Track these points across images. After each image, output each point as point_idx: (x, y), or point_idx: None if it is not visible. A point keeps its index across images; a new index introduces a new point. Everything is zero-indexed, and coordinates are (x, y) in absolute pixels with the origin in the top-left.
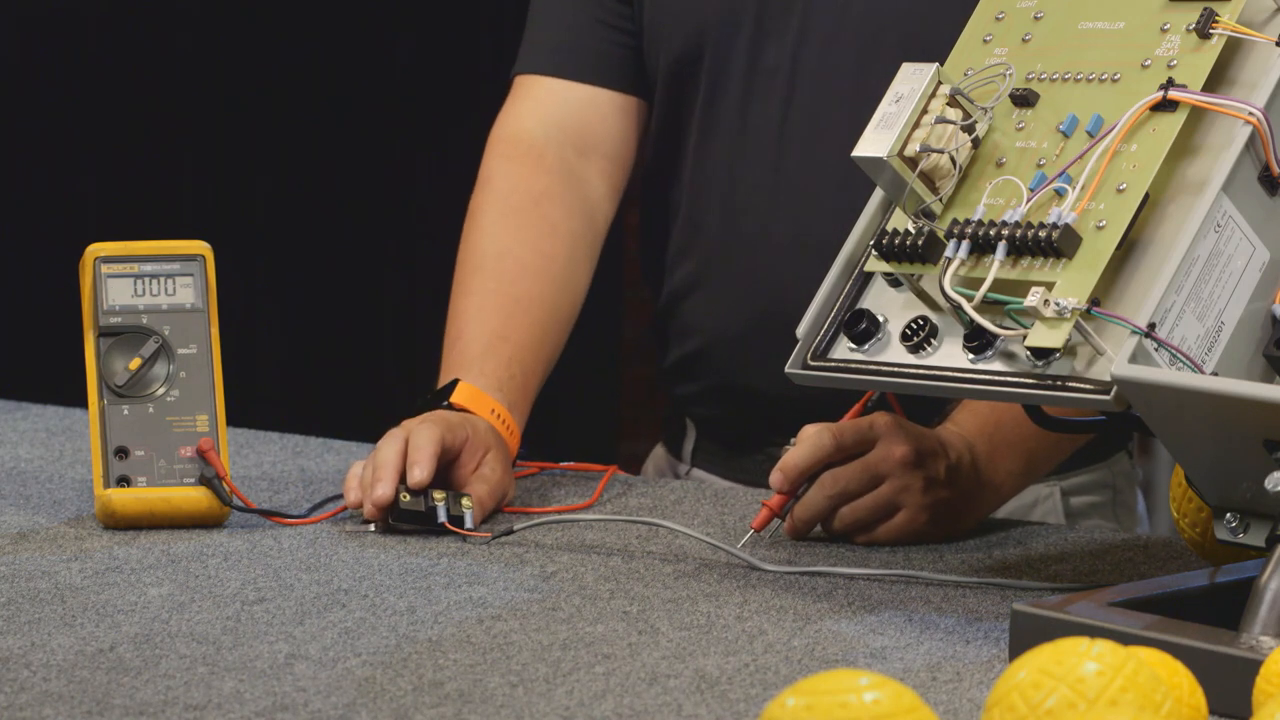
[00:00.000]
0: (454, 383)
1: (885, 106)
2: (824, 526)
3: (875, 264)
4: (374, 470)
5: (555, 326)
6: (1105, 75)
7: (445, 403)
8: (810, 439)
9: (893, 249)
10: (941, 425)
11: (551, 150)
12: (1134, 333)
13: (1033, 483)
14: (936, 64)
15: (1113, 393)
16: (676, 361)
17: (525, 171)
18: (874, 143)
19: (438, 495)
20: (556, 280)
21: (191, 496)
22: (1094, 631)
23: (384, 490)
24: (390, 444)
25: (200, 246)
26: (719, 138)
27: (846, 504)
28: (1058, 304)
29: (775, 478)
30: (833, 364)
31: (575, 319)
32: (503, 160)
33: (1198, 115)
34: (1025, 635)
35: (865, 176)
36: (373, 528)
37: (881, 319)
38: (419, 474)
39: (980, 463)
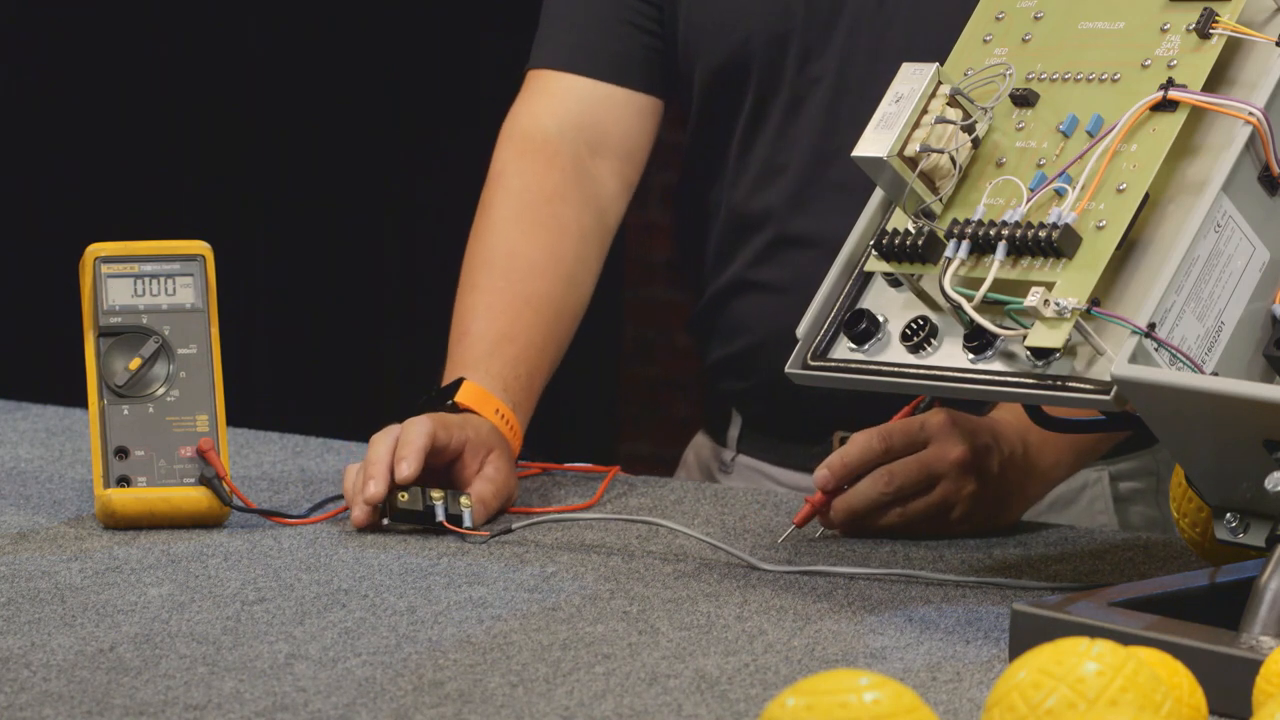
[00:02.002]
0: (458, 382)
1: (885, 106)
2: (868, 519)
3: (875, 264)
4: (366, 468)
5: (562, 326)
6: (1105, 75)
7: (449, 402)
8: (860, 441)
9: (893, 249)
10: (994, 413)
11: (565, 148)
12: (1134, 333)
13: (1081, 468)
14: (936, 64)
15: (1113, 393)
16: (723, 359)
17: (538, 169)
18: (874, 143)
19: (435, 494)
20: (565, 279)
21: (191, 496)
22: (1094, 631)
23: (375, 488)
24: (383, 440)
25: (200, 246)
26: (763, 144)
27: (900, 503)
28: (1058, 304)
29: (821, 475)
30: (833, 364)
31: (581, 317)
32: (515, 156)
33: (1198, 115)
34: (1025, 635)
35: None
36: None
37: (881, 319)
38: (405, 469)
39: (1031, 452)
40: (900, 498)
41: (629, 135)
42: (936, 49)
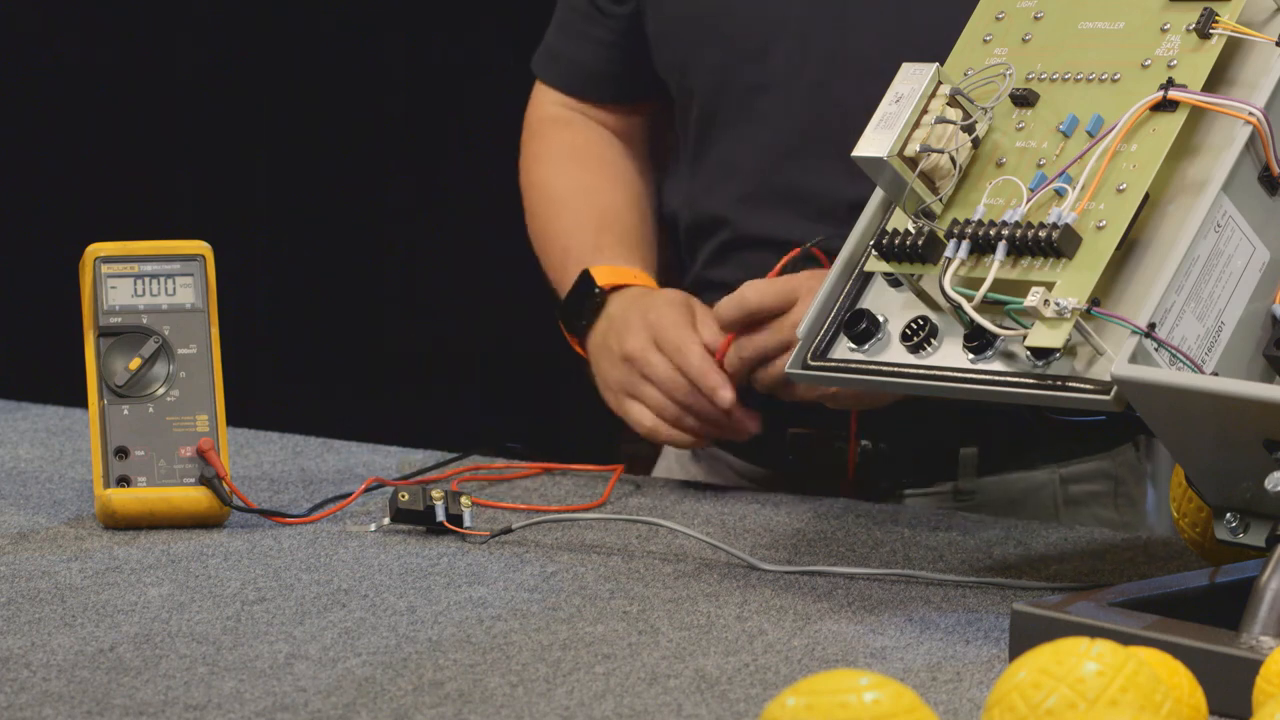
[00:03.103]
0: (584, 274)
1: (885, 106)
2: (767, 371)
3: (875, 264)
4: (694, 384)
5: (649, 226)
6: (1105, 75)
7: (596, 289)
8: (733, 299)
9: (893, 249)
10: None
11: (582, 121)
12: (1134, 333)
13: None
14: (936, 64)
15: (1113, 393)
16: None
17: (560, 131)
18: (874, 143)
19: (435, 494)
20: (633, 194)
21: (191, 496)
22: (1094, 631)
23: (727, 393)
24: (656, 356)
25: (200, 246)
26: (717, 147)
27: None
28: (1058, 304)
29: (727, 311)
30: (833, 364)
31: (656, 234)
32: (535, 137)
33: (1198, 115)
34: (1025, 635)
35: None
36: (373, 527)
37: (881, 319)
38: (726, 396)
39: None
40: (763, 361)
41: (633, 136)
42: (895, 56)
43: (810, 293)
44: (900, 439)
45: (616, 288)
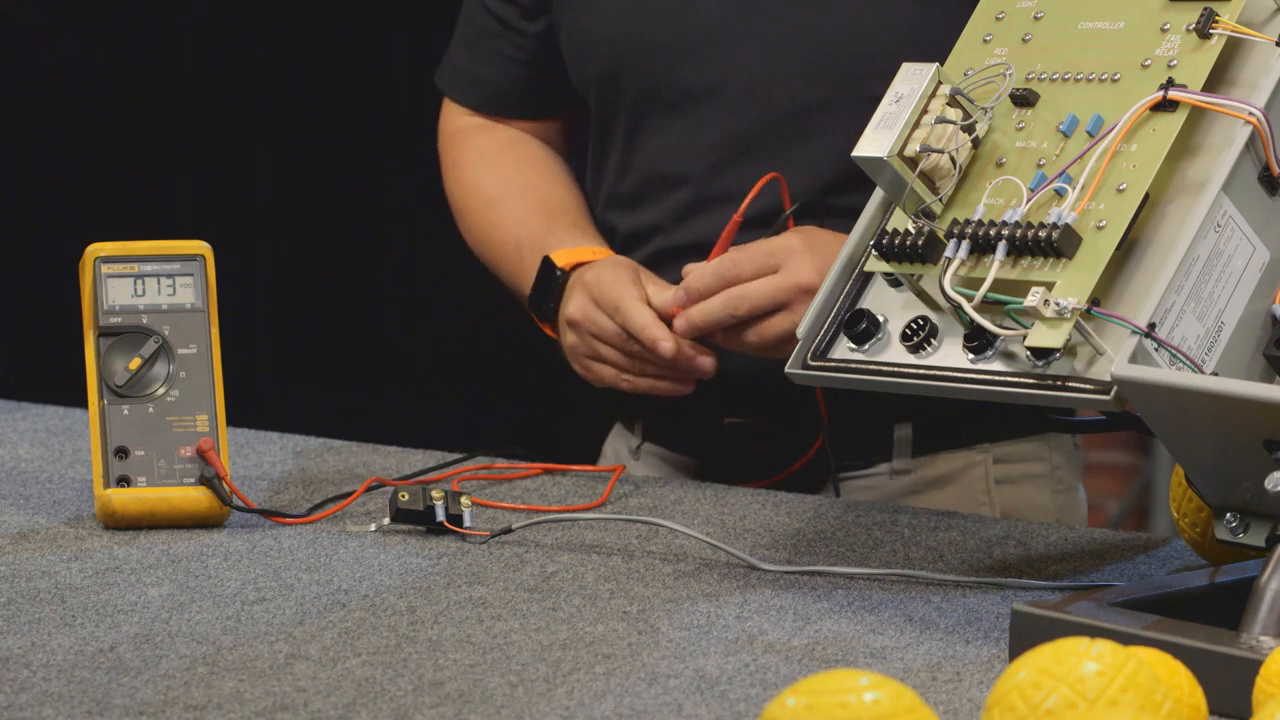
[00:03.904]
0: (545, 260)
1: (885, 106)
2: (719, 338)
3: (875, 264)
4: (636, 336)
5: (590, 216)
6: (1105, 75)
7: (557, 271)
8: (711, 267)
9: (893, 249)
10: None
11: (502, 128)
12: (1134, 333)
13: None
14: (936, 64)
15: (1113, 393)
16: None
17: (485, 136)
18: (874, 143)
19: (435, 494)
20: (567, 184)
21: (191, 496)
22: (1094, 631)
23: (669, 343)
24: (598, 313)
25: (200, 246)
26: (644, 156)
27: (755, 323)
28: (1058, 304)
29: (677, 296)
30: (833, 364)
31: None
32: (457, 140)
33: (1198, 115)
34: (1025, 635)
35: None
36: (373, 527)
37: (881, 319)
38: (668, 345)
39: None
40: (754, 318)
41: (548, 143)
42: (819, 69)
43: (794, 255)
44: (838, 420)
45: (577, 266)
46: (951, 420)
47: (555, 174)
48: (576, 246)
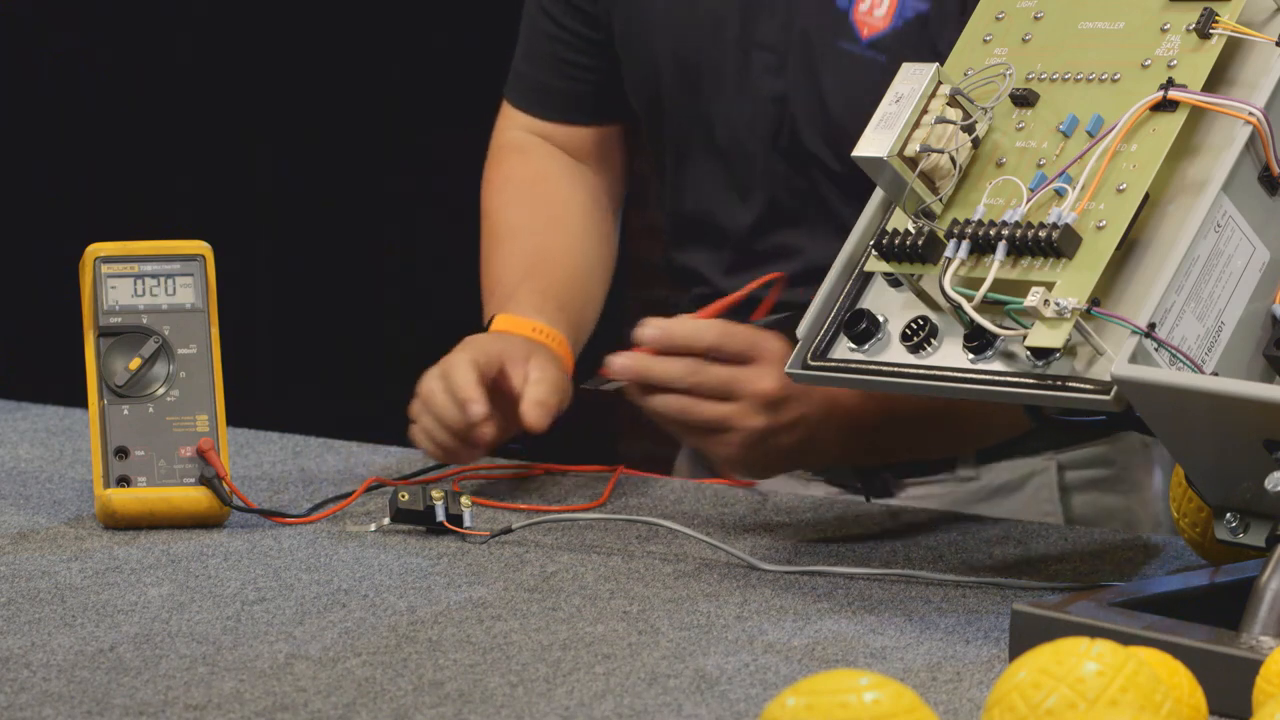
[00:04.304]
0: (491, 319)
1: (885, 106)
2: (645, 398)
3: (875, 264)
4: (450, 399)
5: (581, 275)
6: (1105, 75)
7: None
8: (694, 325)
9: (893, 249)
10: None
11: (542, 149)
12: (1134, 333)
13: (862, 462)
14: (936, 64)
15: (1113, 393)
16: None
17: (517, 163)
18: (874, 143)
19: (435, 494)
20: (573, 236)
21: (191, 496)
22: (1094, 631)
23: (479, 408)
24: (434, 381)
25: (200, 246)
26: (689, 194)
27: (690, 397)
28: (1058, 304)
29: (648, 333)
30: (833, 364)
31: (606, 276)
32: (496, 164)
33: (1198, 115)
34: (1025, 635)
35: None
36: (373, 527)
37: (881, 319)
38: (477, 409)
39: (825, 428)
40: (694, 393)
41: (599, 156)
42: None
43: (772, 361)
44: None
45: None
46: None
47: (565, 222)
48: (521, 317)
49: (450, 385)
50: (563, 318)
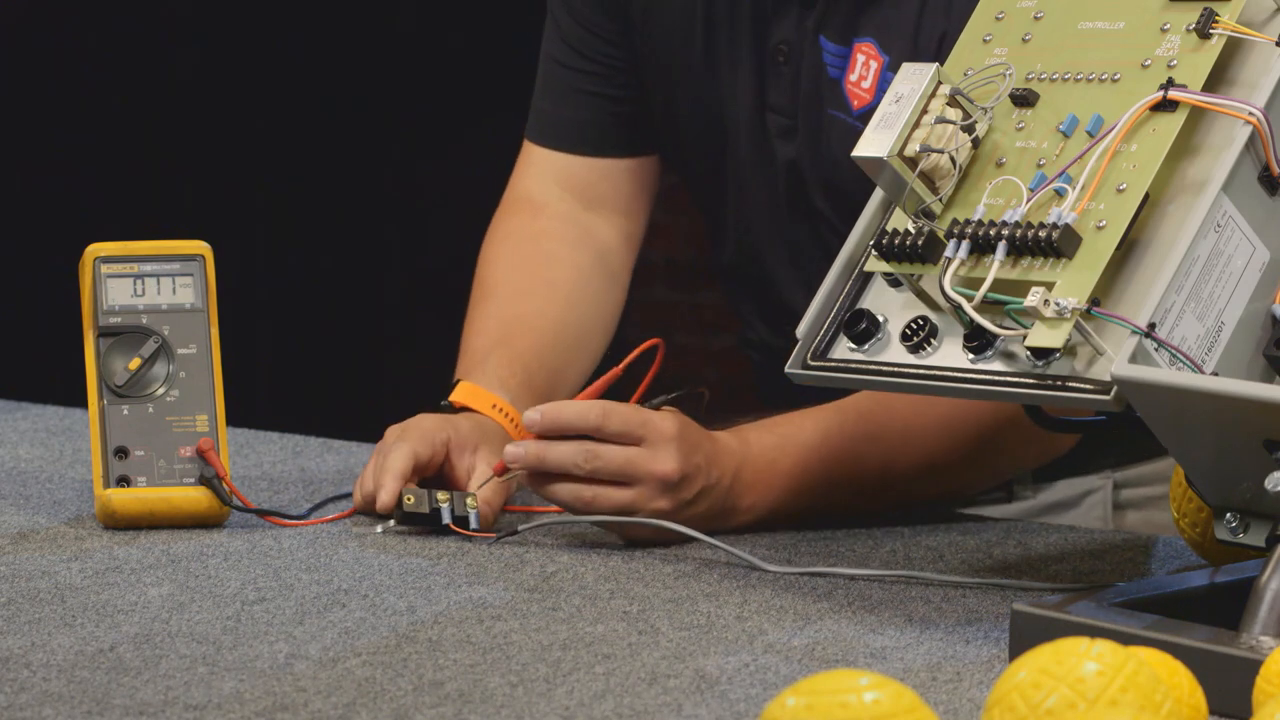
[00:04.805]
0: (455, 384)
1: (885, 106)
2: (553, 482)
3: (875, 264)
4: (375, 477)
5: (561, 343)
6: (1105, 75)
7: (446, 401)
8: (579, 407)
9: (893, 249)
10: (723, 436)
11: (554, 202)
12: (1134, 333)
13: (791, 516)
14: (936, 64)
15: (1113, 393)
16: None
17: (524, 217)
18: (874, 143)
19: (441, 496)
20: (561, 301)
21: (191, 496)
22: (1094, 631)
23: (386, 497)
24: (375, 455)
25: (200, 246)
26: (727, 239)
27: (593, 485)
28: (1058, 304)
29: (531, 419)
30: (832, 364)
31: (597, 342)
32: (505, 216)
33: (1198, 115)
34: (1025, 635)
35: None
36: (379, 529)
37: (881, 319)
38: (384, 497)
39: (737, 488)
40: (594, 479)
41: (621, 194)
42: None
43: (663, 440)
44: None
45: (462, 409)
46: (1074, 448)
47: (552, 287)
48: (483, 389)
49: (380, 466)
50: (526, 393)
